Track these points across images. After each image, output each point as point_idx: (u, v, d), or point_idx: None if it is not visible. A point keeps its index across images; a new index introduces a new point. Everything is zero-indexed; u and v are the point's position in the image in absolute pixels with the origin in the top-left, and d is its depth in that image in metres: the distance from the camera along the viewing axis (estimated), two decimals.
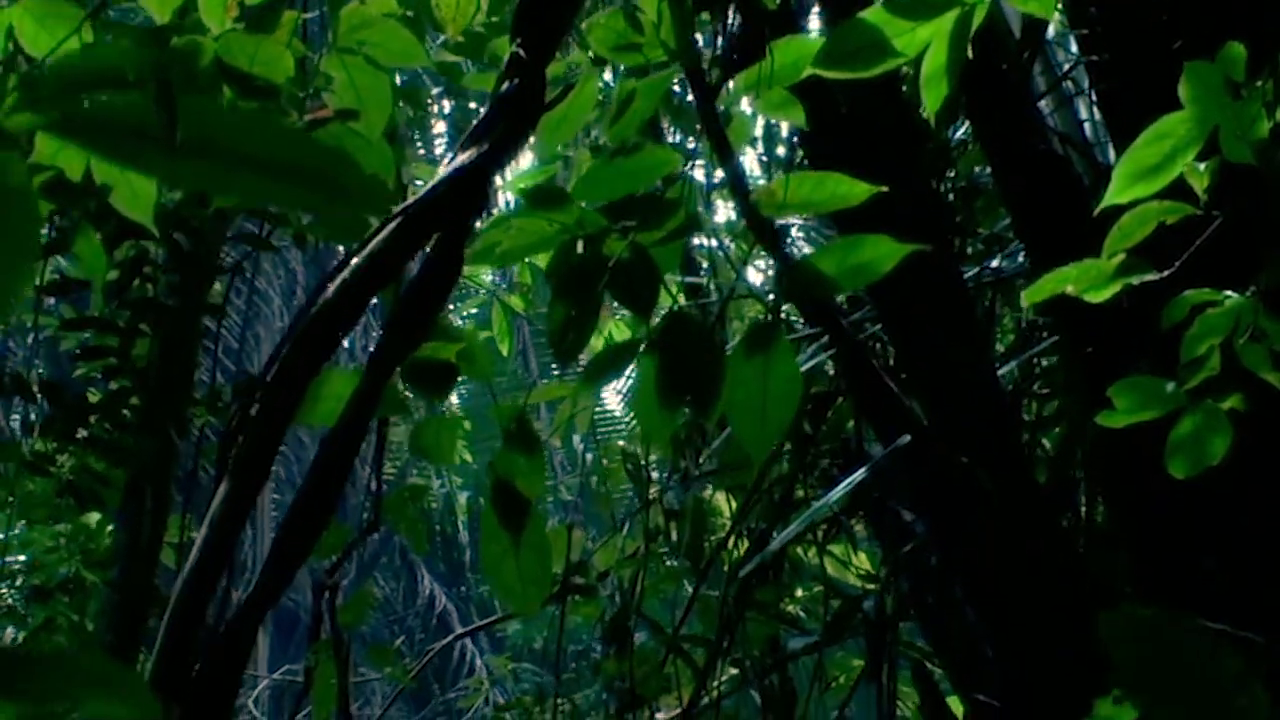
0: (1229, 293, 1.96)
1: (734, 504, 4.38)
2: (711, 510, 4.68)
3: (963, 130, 3.61)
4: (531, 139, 1.86)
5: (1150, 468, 2.07)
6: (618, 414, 15.55)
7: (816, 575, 4.43)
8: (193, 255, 3.81)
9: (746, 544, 4.18)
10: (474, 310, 6.86)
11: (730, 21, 2.06)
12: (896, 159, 2.81)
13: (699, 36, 2.09)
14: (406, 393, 1.94)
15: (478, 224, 1.84)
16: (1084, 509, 3.25)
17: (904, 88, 3.18)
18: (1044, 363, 3.80)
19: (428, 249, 1.69)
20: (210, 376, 6.93)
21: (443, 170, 1.68)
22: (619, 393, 15.39)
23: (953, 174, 3.76)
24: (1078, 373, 2.91)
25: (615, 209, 1.81)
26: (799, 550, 4.50)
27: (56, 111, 0.76)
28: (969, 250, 3.87)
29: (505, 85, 1.72)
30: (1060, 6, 3.11)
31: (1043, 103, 3.29)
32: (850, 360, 2.71)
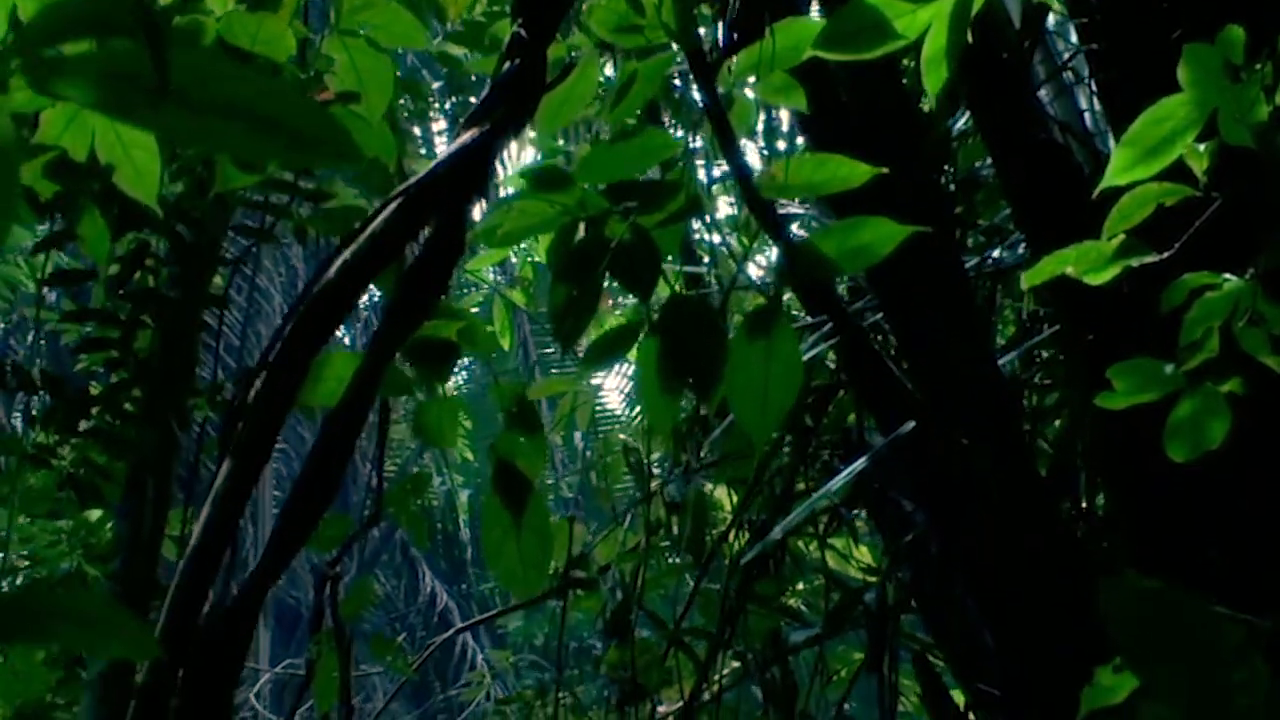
0: (1228, 276, 1.96)
1: (735, 498, 4.39)
2: (713, 505, 4.69)
3: (963, 122, 3.61)
4: (532, 122, 1.86)
5: (1150, 453, 2.07)
6: (618, 413, 15.57)
7: (818, 568, 4.43)
8: (194, 247, 3.81)
9: (747, 537, 4.19)
10: (475, 308, 6.88)
11: (731, 3, 2.06)
12: (897, 149, 2.81)
13: (703, 15, 2.10)
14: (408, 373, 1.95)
15: (478, 207, 1.85)
16: (1084, 499, 3.26)
17: (904, 81, 3.19)
18: (1044, 355, 3.80)
19: (429, 229, 1.69)
20: (212, 374, 6.94)
21: (444, 150, 1.68)
22: (620, 392, 15.41)
23: (953, 170, 3.77)
24: (1078, 361, 2.92)
25: (616, 191, 1.82)
26: (800, 544, 4.51)
27: (41, 57, 0.75)
28: (969, 243, 3.87)
29: (506, 66, 1.73)
30: None
31: (1042, 92, 3.30)
32: (852, 344, 2.72)
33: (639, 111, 2.76)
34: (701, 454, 4.31)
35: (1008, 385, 3.33)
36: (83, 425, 4.06)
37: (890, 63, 2.89)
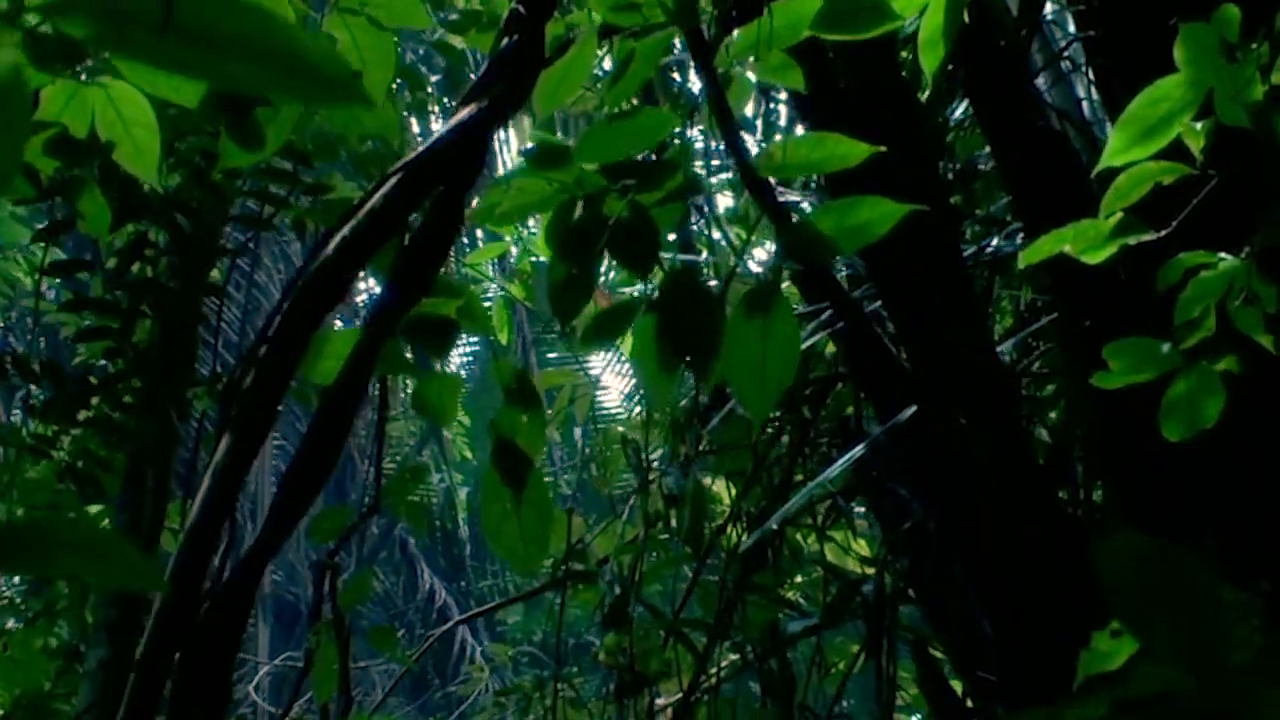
0: (1223, 255, 1.97)
1: (733, 491, 4.39)
2: (711, 498, 4.69)
3: (960, 111, 3.62)
4: (530, 100, 1.87)
5: (1145, 433, 2.08)
6: (619, 413, 15.56)
7: (816, 560, 4.44)
8: (193, 237, 3.81)
9: (745, 529, 4.19)
10: None
11: None
12: (895, 130, 2.81)
13: None
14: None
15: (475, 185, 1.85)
16: (1081, 486, 3.26)
17: (903, 72, 3.19)
18: (1041, 345, 3.81)
19: (428, 205, 1.70)
20: (210, 369, 6.94)
21: (442, 126, 1.69)
22: (619, 392, 15.41)
23: (953, 164, 3.78)
24: (1075, 346, 2.92)
25: (615, 169, 1.82)
26: (798, 536, 4.51)
27: None
28: (967, 233, 3.88)
29: (504, 42, 1.73)
30: None
31: (1040, 80, 3.30)
32: (850, 327, 2.72)
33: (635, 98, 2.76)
34: (700, 446, 4.32)
35: (1006, 372, 3.33)
36: (82, 416, 4.07)
37: (888, 44, 2.89)
